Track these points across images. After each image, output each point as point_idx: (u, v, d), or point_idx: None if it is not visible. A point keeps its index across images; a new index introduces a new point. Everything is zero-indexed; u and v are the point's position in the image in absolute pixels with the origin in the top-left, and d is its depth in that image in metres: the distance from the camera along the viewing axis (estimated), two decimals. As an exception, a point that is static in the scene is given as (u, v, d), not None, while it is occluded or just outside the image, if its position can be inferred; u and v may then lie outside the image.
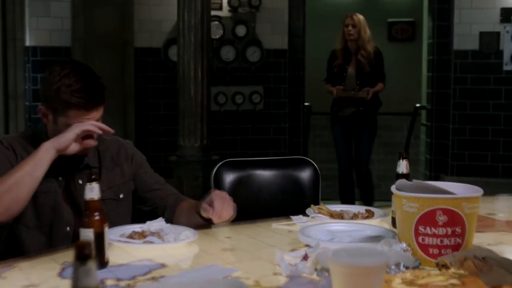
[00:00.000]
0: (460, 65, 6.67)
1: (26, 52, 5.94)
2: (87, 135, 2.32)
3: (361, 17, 6.35)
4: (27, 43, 5.95)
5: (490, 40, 6.56)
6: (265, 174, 3.38)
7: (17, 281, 1.78)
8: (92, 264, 1.08)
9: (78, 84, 2.30)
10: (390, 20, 9.36)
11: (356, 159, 6.39)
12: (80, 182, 2.44)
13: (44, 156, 2.26)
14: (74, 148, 2.30)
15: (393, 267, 1.71)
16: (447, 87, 6.76)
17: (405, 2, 9.31)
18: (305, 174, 3.36)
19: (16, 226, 2.36)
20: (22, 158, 2.34)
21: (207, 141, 4.73)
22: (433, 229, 1.85)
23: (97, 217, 1.85)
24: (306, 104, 7.28)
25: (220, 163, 3.29)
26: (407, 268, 1.74)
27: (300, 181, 3.35)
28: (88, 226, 1.85)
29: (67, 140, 2.27)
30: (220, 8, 6.52)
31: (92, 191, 1.86)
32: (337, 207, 2.54)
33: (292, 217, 2.44)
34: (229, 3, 6.54)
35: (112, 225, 2.12)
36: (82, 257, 1.08)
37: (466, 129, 6.69)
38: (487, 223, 2.46)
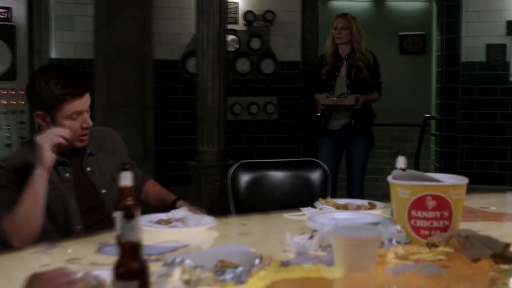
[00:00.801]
0: (468, 77, 6.90)
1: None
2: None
3: (352, 18, 5.79)
4: (52, 55, 6.25)
5: (496, 52, 6.80)
6: (277, 175, 3.66)
7: (61, 256, 2.06)
8: (136, 222, 1.36)
9: (64, 78, 2.62)
10: (401, 33, 9.59)
11: (348, 177, 5.81)
12: (88, 169, 2.74)
13: (39, 183, 2.49)
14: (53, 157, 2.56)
15: (386, 242, 1.99)
16: (456, 97, 6.99)
17: (416, 16, 9.53)
18: (315, 175, 3.64)
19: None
20: (23, 176, 2.56)
21: (224, 147, 5.02)
22: (423, 212, 2.12)
23: (129, 202, 2.13)
24: (318, 114, 7.53)
25: (236, 164, 3.57)
26: (398, 243, 2.01)
27: (310, 181, 3.63)
28: (121, 209, 2.13)
29: (48, 157, 2.50)
30: (236, 22, 6.80)
31: (126, 179, 2.13)
32: (342, 200, 2.81)
33: (302, 208, 2.72)
34: (244, 17, 6.82)
35: None
36: (128, 216, 1.36)
37: (474, 138, 6.92)
38: (478, 214, 2.72)
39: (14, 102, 6.16)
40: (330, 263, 1.89)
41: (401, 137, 8.90)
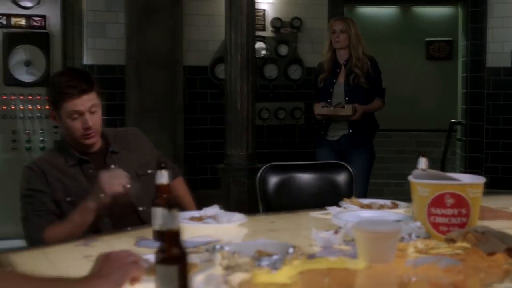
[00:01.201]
0: (493, 82, 6.98)
1: (84, 70, 6.44)
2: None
3: (350, 21, 5.54)
4: (85, 62, 6.44)
5: (521, 57, 6.90)
6: (305, 177, 3.81)
7: (103, 249, 2.22)
8: (176, 212, 1.51)
9: (66, 76, 2.87)
10: (428, 39, 9.68)
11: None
12: (112, 166, 2.91)
13: (86, 216, 2.68)
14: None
15: (406, 236, 2.12)
16: (481, 103, 7.07)
17: (442, 22, 9.60)
18: (341, 177, 3.78)
19: None
20: (52, 175, 2.81)
21: (252, 151, 5.17)
22: (442, 210, 2.25)
23: (166, 198, 2.29)
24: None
25: (265, 167, 3.72)
26: (418, 237, 2.14)
27: (336, 183, 3.77)
28: (158, 205, 2.29)
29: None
30: (264, 29, 6.95)
31: (162, 177, 2.30)
32: (366, 200, 2.95)
33: (327, 207, 2.86)
34: (272, 24, 6.97)
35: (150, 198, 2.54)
36: (169, 206, 1.51)
37: (499, 143, 7.00)
38: (498, 214, 2.84)
39: (48, 107, 6.34)
40: (353, 256, 2.03)
41: (428, 142, 8.99)
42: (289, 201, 3.66)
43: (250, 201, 4.93)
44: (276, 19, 6.96)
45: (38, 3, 6.27)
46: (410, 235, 2.13)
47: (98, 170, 2.82)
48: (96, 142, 2.91)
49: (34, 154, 6.26)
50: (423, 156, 2.73)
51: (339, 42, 5.38)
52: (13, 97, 6.28)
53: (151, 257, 1.80)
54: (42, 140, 6.36)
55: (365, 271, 1.94)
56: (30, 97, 6.33)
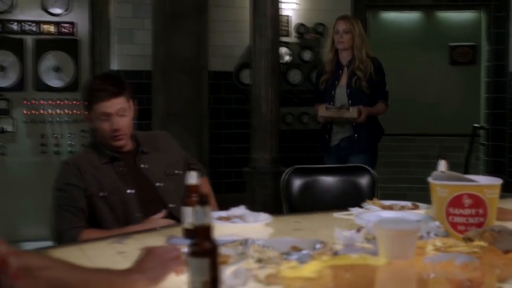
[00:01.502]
0: (515, 87, 7.06)
1: (112, 76, 6.60)
2: None
3: (355, 20, 5.34)
4: (112, 67, 6.60)
5: (544, 62, 6.97)
6: (328, 180, 3.92)
7: (136, 245, 2.34)
8: (208, 208, 1.63)
9: (98, 80, 3.13)
10: (451, 44, 9.73)
11: None
12: (142, 166, 3.10)
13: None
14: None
15: (425, 234, 2.23)
16: (504, 107, 7.13)
17: (466, 27, 9.64)
18: (363, 180, 3.88)
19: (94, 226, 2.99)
20: (87, 170, 3.00)
21: (276, 155, 5.29)
22: (460, 210, 2.35)
23: (195, 198, 2.41)
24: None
25: (289, 169, 3.84)
26: (436, 235, 2.25)
27: (359, 186, 3.88)
28: (188, 204, 2.41)
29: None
30: (288, 35, 7.06)
31: (192, 178, 2.43)
32: (388, 202, 3.05)
33: (350, 208, 2.96)
34: (296, 29, 7.08)
35: (179, 196, 2.72)
36: (202, 202, 1.63)
37: (522, 148, 7.07)
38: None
39: (77, 112, 6.53)
40: (375, 254, 2.13)
41: (451, 147, 9.03)
42: (312, 204, 3.76)
43: (275, 204, 4.97)
44: (300, 25, 7.08)
45: (67, 11, 6.45)
46: (428, 233, 2.24)
47: (129, 168, 2.98)
48: (125, 144, 3.06)
49: (62, 157, 6.43)
50: (443, 159, 2.82)
51: (342, 43, 5.20)
52: (42, 102, 6.45)
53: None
54: (70, 143, 6.53)
55: (385, 267, 2.04)
56: (59, 102, 6.50)
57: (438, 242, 2.21)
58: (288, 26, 7.06)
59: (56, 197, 3.00)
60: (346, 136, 5.19)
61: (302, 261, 1.94)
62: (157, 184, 3.07)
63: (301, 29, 7.08)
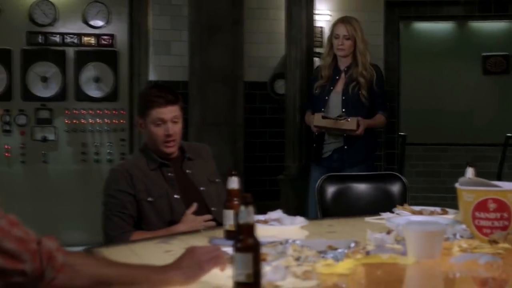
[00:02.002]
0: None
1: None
2: None
3: (357, 23, 4.96)
4: (150, 78, 6.83)
5: None
6: (361, 187, 4.09)
7: (181, 245, 2.54)
8: (251, 208, 1.82)
9: (155, 89, 3.38)
10: (484, 54, 9.82)
11: None
12: (188, 171, 3.32)
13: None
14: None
15: (451, 236, 2.39)
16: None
17: (499, 36, 9.73)
18: (395, 187, 4.05)
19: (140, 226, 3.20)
20: (137, 176, 3.21)
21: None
22: (486, 214, 2.50)
23: (236, 202, 2.60)
24: (401, 134, 7.88)
25: (323, 177, 4.02)
26: (461, 237, 2.41)
27: (390, 193, 4.04)
28: (229, 208, 2.61)
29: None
30: (321, 46, 7.21)
31: (233, 182, 2.62)
32: (418, 207, 3.21)
33: (381, 213, 3.13)
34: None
35: (219, 202, 3.03)
36: (245, 203, 1.82)
37: (553, 157, 7.16)
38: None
39: (116, 121, 6.77)
40: (404, 254, 2.30)
41: (484, 156, 9.11)
42: (345, 210, 3.92)
43: (308, 211, 5.09)
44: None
45: (107, 23, 6.69)
46: (454, 235, 2.40)
47: (176, 173, 3.21)
48: (174, 151, 3.28)
49: (102, 166, 6.68)
50: (470, 166, 2.99)
51: (343, 50, 4.88)
52: (83, 112, 6.70)
53: (229, 250, 2.12)
54: (109, 152, 6.76)
55: (414, 266, 2.21)
56: (99, 112, 6.74)
57: (464, 244, 2.37)
58: (321, 37, 7.22)
59: (106, 203, 3.21)
60: (339, 147, 4.90)
61: (337, 259, 2.12)
62: (201, 188, 3.28)
63: (335, 40, 7.24)
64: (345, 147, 4.84)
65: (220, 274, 2.04)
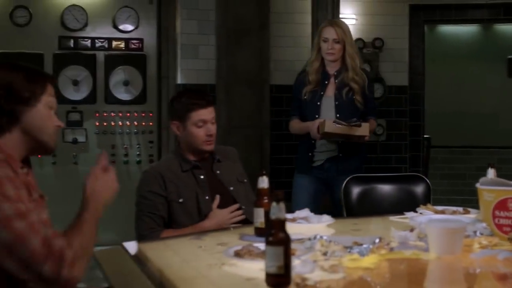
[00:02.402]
0: None
1: (177, 89, 6.95)
2: None
3: (345, 26, 4.76)
4: (178, 81, 6.98)
5: None
6: (385, 188, 4.22)
7: (213, 241, 2.69)
8: (282, 205, 1.96)
9: (192, 93, 3.55)
10: (509, 56, 9.86)
11: None
12: (218, 172, 3.50)
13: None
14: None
15: (471, 233, 2.51)
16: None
17: (525, 39, 9.81)
18: (418, 188, 4.17)
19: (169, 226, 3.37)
20: (168, 178, 3.37)
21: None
22: (505, 212, 2.62)
23: (266, 200, 2.75)
24: (425, 136, 7.97)
25: (348, 178, 4.15)
26: (481, 234, 2.53)
27: (414, 193, 4.16)
28: (260, 206, 2.75)
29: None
30: (347, 49, 7.38)
31: (263, 182, 2.76)
32: (440, 207, 3.33)
33: (405, 212, 3.26)
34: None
35: (248, 201, 3.28)
36: (277, 200, 1.96)
37: None
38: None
39: (144, 124, 6.94)
40: (426, 251, 2.43)
41: (509, 159, 9.18)
42: (369, 210, 4.06)
43: (334, 210, 5.19)
44: (358, 40, 7.36)
45: (136, 28, 6.87)
46: (475, 232, 2.53)
47: (206, 174, 3.35)
48: (212, 149, 3.45)
49: (130, 167, 6.86)
50: (491, 167, 3.11)
51: (332, 54, 4.64)
52: (112, 114, 6.88)
53: (260, 245, 2.27)
54: (138, 154, 6.93)
55: (435, 261, 2.34)
56: (128, 114, 6.91)
57: (484, 241, 2.50)
58: (346, 41, 7.35)
59: (138, 203, 3.38)
60: (332, 156, 4.64)
61: (362, 254, 2.26)
62: (231, 188, 3.44)
63: (360, 44, 7.35)
64: (340, 155, 4.61)
65: (252, 267, 2.18)
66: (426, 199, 4.04)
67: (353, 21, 7.37)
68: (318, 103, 4.64)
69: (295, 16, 7.24)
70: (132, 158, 6.93)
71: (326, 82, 4.69)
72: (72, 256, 2.00)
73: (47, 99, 2.26)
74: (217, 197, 3.37)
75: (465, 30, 9.96)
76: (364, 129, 4.41)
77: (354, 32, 7.34)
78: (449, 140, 9.68)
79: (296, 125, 4.78)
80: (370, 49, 7.40)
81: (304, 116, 4.69)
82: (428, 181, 4.14)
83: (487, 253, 2.36)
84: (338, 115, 4.54)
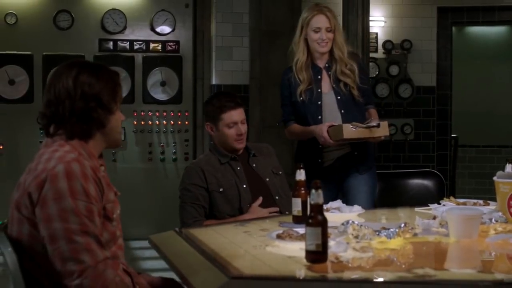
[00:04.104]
0: None
1: (212, 89, 7.34)
2: None
3: (332, 11, 4.21)
4: (213, 82, 7.36)
5: None
6: (404, 183, 4.56)
7: (256, 228, 3.06)
8: (320, 191, 2.31)
9: (222, 95, 3.92)
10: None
11: None
12: (254, 165, 3.89)
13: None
14: None
15: (487, 220, 2.85)
16: None
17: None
18: (433, 183, 4.50)
19: (212, 217, 3.76)
20: (208, 171, 3.77)
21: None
22: (520, 203, 2.96)
23: (302, 191, 3.10)
24: (453, 135, 8.26)
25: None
26: (496, 221, 2.87)
27: (429, 188, 4.49)
28: (297, 196, 3.10)
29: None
30: (376, 51, 7.70)
31: (300, 175, 3.12)
32: (462, 199, 3.67)
33: (429, 204, 3.59)
34: (383, 46, 7.72)
35: (283, 191, 3.69)
36: (316, 187, 2.32)
37: None
38: None
39: (180, 123, 7.33)
40: (447, 236, 2.77)
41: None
42: (391, 204, 4.33)
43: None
44: (387, 42, 7.70)
45: (173, 30, 7.26)
46: (490, 219, 2.87)
47: (243, 167, 3.79)
48: (243, 147, 3.82)
49: (166, 164, 7.26)
50: (510, 163, 3.44)
51: (325, 45, 4.16)
52: (150, 114, 7.28)
53: (299, 230, 2.63)
54: (174, 152, 7.32)
55: (454, 244, 2.68)
56: (164, 114, 7.31)
57: (499, 227, 2.83)
58: (376, 43, 7.69)
59: (182, 195, 3.77)
60: (344, 154, 4.25)
61: (389, 236, 2.60)
62: (267, 179, 3.81)
63: (389, 45, 7.69)
64: (355, 153, 4.23)
65: (293, 247, 2.54)
66: (440, 192, 4.35)
67: (382, 23, 7.70)
68: (319, 102, 4.19)
69: (326, 19, 7.56)
70: (168, 156, 7.32)
71: (319, 77, 4.22)
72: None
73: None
74: (260, 198, 3.75)
75: (493, 30, 10.19)
76: (383, 129, 4.01)
77: (383, 34, 7.69)
78: (476, 139, 9.95)
79: (296, 130, 4.29)
80: (399, 51, 7.71)
81: (302, 119, 4.24)
82: (441, 176, 4.46)
83: (501, 237, 2.70)
84: (342, 111, 4.17)
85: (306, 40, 4.19)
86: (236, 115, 3.79)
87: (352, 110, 4.18)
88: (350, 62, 4.19)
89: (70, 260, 2.21)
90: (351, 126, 3.94)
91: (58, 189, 2.24)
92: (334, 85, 4.19)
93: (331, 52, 4.20)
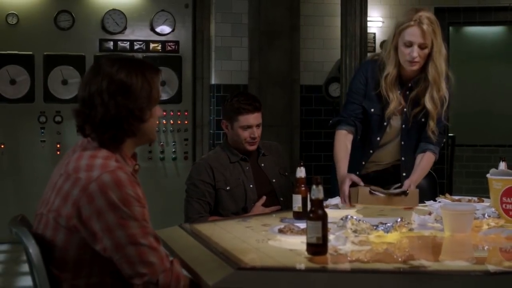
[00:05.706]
0: None
1: (212, 89, 7.48)
2: None
3: (436, 24, 3.48)
4: (212, 82, 7.50)
5: None
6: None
7: (258, 223, 3.20)
8: (321, 187, 2.46)
9: (243, 97, 3.98)
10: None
11: None
12: (262, 165, 4.02)
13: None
14: None
15: (480, 215, 3.00)
16: None
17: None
18: (424, 182, 4.62)
19: (217, 214, 3.89)
20: (217, 169, 3.89)
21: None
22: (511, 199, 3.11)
23: (303, 188, 3.25)
24: (450, 135, 8.39)
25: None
26: (489, 216, 3.02)
27: (422, 188, 4.62)
28: (298, 193, 3.25)
29: None
30: (374, 51, 7.81)
31: (301, 172, 3.26)
32: (457, 197, 3.82)
33: (426, 201, 3.74)
34: (381, 46, 7.85)
35: (288, 193, 3.67)
36: (316, 183, 2.47)
37: None
38: None
39: (180, 122, 7.47)
40: (442, 231, 2.92)
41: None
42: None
43: None
44: (384, 42, 7.80)
45: (173, 30, 7.39)
46: (483, 215, 3.02)
47: (252, 166, 3.88)
48: (255, 149, 3.96)
49: (166, 163, 7.39)
50: (503, 161, 3.59)
51: (415, 64, 3.52)
52: (150, 113, 7.39)
53: (300, 225, 2.77)
54: (174, 151, 7.46)
55: (448, 238, 2.83)
56: (164, 113, 7.40)
57: (492, 222, 2.99)
58: (374, 43, 7.84)
59: (188, 190, 3.90)
60: (390, 163, 3.87)
61: (386, 231, 2.75)
62: (273, 180, 3.95)
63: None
64: (403, 158, 3.78)
65: (294, 241, 2.69)
66: (433, 190, 4.48)
67: (380, 24, 7.85)
68: (385, 123, 3.69)
69: (324, 19, 7.73)
70: (168, 155, 7.46)
71: (401, 95, 3.64)
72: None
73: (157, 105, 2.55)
74: (263, 197, 3.89)
75: (490, 30, 10.32)
76: (411, 199, 3.45)
77: (381, 34, 7.84)
78: (473, 139, 10.09)
79: (335, 150, 3.76)
80: (396, 51, 7.83)
81: (365, 127, 3.74)
82: (434, 174, 4.60)
83: (492, 231, 2.85)
84: (402, 142, 3.71)
85: (396, 50, 3.57)
86: (252, 119, 3.90)
87: (412, 145, 3.71)
88: (445, 89, 3.57)
89: (140, 263, 2.32)
90: (369, 190, 3.44)
91: (111, 200, 2.29)
92: (406, 110, 3.64)
93: (424, 68, 3.55)
